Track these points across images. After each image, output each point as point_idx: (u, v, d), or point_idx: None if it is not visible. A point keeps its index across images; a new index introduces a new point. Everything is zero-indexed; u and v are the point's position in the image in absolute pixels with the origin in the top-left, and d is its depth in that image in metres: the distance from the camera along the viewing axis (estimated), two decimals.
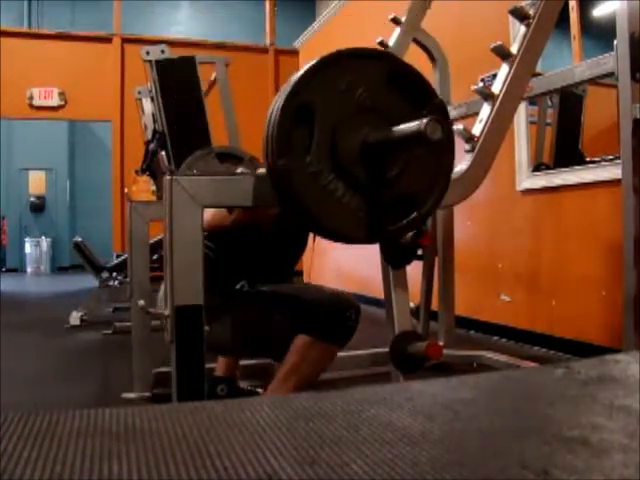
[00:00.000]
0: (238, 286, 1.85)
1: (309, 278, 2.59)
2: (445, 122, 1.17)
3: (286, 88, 1.15)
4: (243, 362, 2.41)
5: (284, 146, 1.13)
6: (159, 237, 3.16)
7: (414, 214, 1.24)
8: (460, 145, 1.60)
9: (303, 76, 1.14)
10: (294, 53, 7.34)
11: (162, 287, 1.64)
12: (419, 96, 1.21)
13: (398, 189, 1.23)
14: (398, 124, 1.15)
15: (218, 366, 2.06)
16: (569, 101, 3.46)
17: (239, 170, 1.82)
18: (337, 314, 1.66)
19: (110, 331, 3.84)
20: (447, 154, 1.26)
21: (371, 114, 1.18)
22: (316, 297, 1.73)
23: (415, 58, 2.79)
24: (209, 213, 1.64)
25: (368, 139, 1.16)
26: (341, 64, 1.17)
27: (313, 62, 1.15)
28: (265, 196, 1.26)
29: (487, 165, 1.51)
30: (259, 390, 2.08)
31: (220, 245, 1.79)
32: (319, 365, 1.66)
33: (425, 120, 1.06)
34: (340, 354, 2.74)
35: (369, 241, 1.27)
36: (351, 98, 1.17)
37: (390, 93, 1.20)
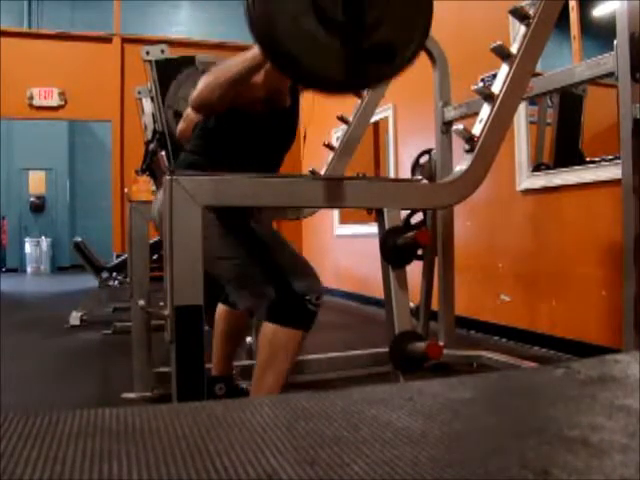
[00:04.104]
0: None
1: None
2: None
3: None
4: (240, 362, 2.41)
5: None
6: (159, 237, 3.16)
7: (397, 59, 1.25)
8: (460, 145, 1.61)
9: None
10: None
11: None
12: None
13: (379, 34, 1.23)
14: None
15: (213, 366, 2.06)
16: (569, 101, 3.46)
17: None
18: (299, 299, 1.63)
19: (110, 331, 3.84)
20: None
21: None
22: (285, 267, 1.71)
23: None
24: (195, 91, 1.64)
25: None
26: None
27: None
28: None
29: (487, 165, 1.51)
30: None
31: (207, 142, 1.79)
32: (290, 352, 1.66)
33: None
34: (340, 354, 2.77)
35: (351, 84, 1.26)
36: None
37: None
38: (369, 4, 1.20)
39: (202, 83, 1.62)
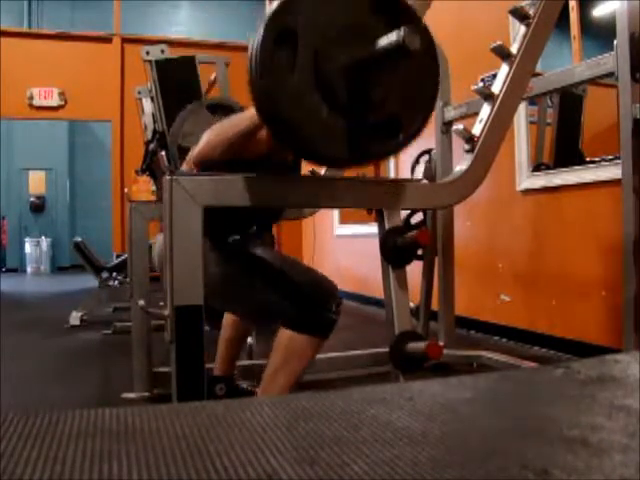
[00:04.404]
0: (230, 240, 1.83)
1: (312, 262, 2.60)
2: (422, 31, 1.16)
3: (269, 11, 1.14)
4: (241, 362, 2.41)
5: (266, 66, 1.12)
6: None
7: (400, 136, 1.24)
8: (460, 145, 1.61)
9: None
10: None
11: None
12: (401, 17, 1.20)
13: (383, 111, 1.22)
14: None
15: (216, 365, 2.06)
16: (569, 101, 3.46)
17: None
18: (318, 307, 1.64)
19: (110, 331, 3.84)
20: (430, 69, 1.25)
21: (354, 36, 1.17)
22: (299, 282, 1.71)
23: None
24: (197, 148, 1.64)
25: (351, 59, 1.16)
26: None
27: None
28: None
29: (487, 165, 1.51)
30: (257, 390, 2.08)
31: None
32: (304, 358, 1.65)
33: (402, 31, 1.06)
34: (340, 354, 2.76)
35: (353, 162, 1.26)
36: (333, 20, 1.16)
37: (373, 15, 1.19)
38: (374, 82, 1.19)
39: (204, 139, 1.62)
